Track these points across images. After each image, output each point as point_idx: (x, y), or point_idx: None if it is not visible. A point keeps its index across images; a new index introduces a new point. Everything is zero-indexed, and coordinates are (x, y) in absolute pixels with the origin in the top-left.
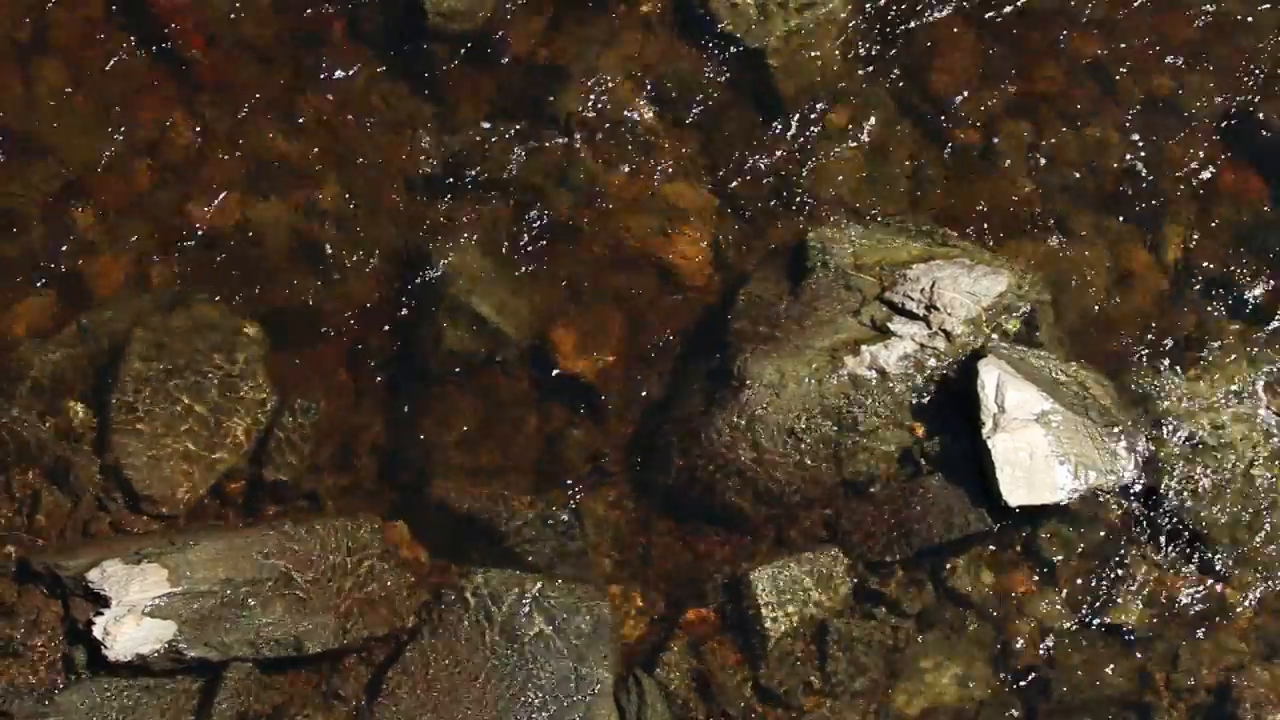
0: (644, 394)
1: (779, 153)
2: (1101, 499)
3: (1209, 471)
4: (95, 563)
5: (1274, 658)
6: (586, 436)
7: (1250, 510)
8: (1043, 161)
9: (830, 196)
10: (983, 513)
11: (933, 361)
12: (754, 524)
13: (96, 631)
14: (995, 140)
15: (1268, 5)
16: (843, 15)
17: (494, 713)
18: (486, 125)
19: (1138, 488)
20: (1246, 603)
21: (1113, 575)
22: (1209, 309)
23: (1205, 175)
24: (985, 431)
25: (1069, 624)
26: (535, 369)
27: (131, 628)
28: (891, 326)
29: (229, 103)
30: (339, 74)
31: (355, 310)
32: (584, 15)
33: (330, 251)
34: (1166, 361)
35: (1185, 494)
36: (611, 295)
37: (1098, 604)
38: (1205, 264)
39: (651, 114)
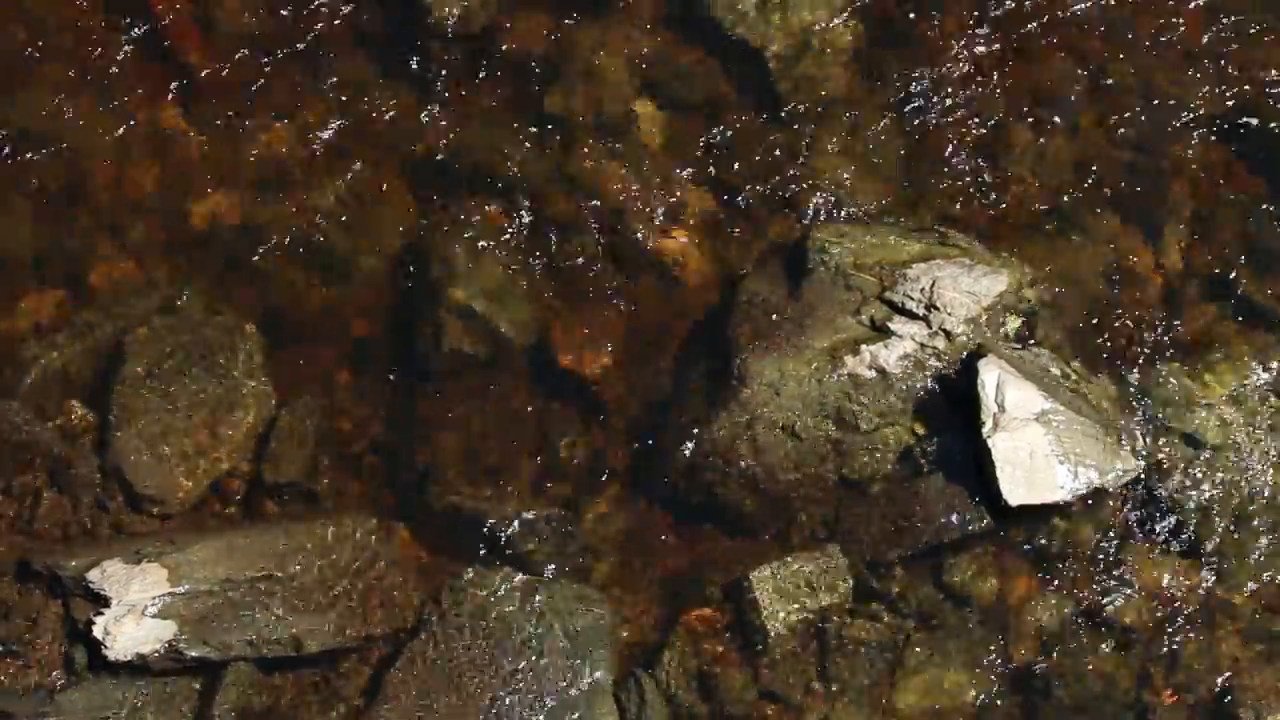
0: (644, 394)
1: (779, 152)
2: (1101, 499)
3: (1209, 471)
4: (95, 563)
5: (1274, 658)
6: (586, 436)
7: (1250, 510)
8: (1043, 161)
9: (830, 196)
10: (983, 512)
11: (933, 361)
12: (754, 524)
13: (96, 631)
14: (995, 140)
15: (1268, 5)
16: (843, 15)
17: (494, 712)
18: (486, 125)
19: (1137, 487)
20: (1246, 603)
21: (1113, 575)
22: (1209, 309)
23: (1205, 175)
24: (985, 431)
25: (1069, 624)
26: (535, 369)
27: (131, 627)
28: (891, 326)
29: (229, 103)
30: (339, 73)
31: (355, 310)
32: (584, 15)
33: (330, 251)
34: (1166, 361)
35: (1185, 494)
36: (611, 295)
37: (1098, 604)
38: (1205, 264)
39: (651, 113)
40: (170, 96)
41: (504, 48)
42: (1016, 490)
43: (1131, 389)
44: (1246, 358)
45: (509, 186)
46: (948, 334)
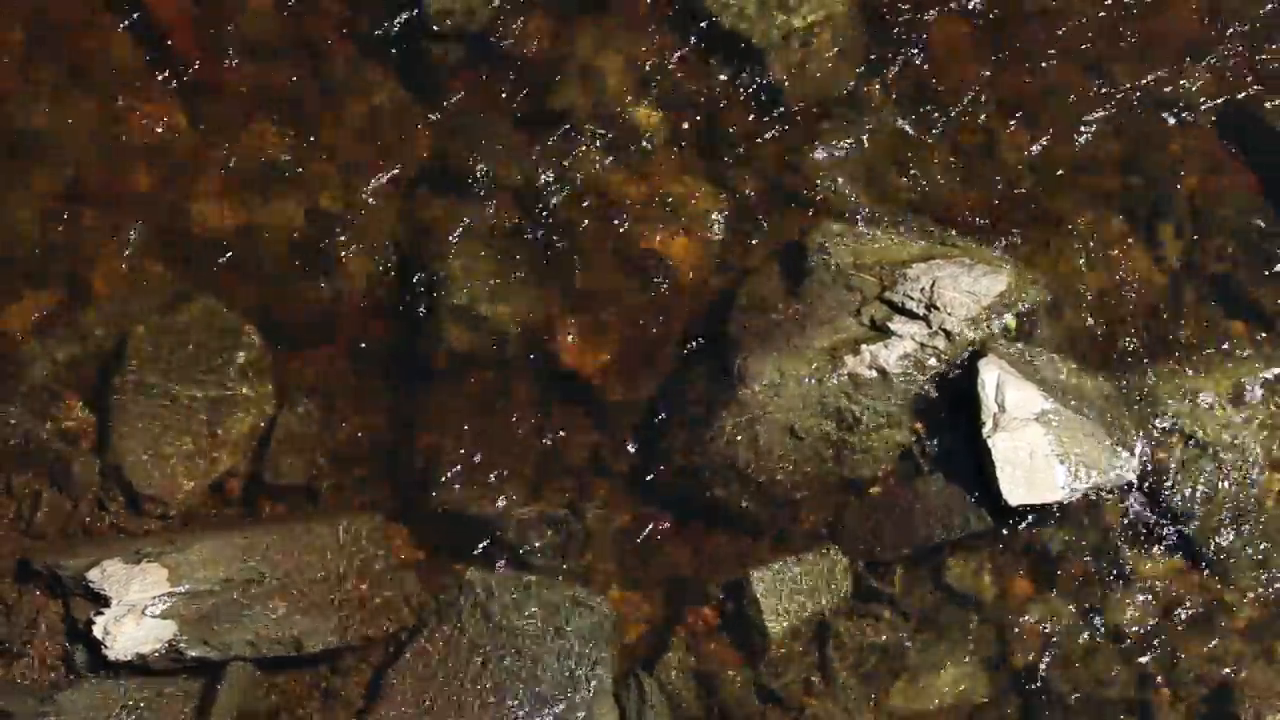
0: (644, 394)
1: (779, 152)
2: (1101, 498)
3: (1208, 471)
4: (95, 562)
5: (1274, 658)
6: (586, 436)
7: (1250, 510)
8: (1042, 161)
9: (830, 196)
10: (983, 512)
11: (933, 361)
12: (754, 524)
13: (96, 631)
14: (995, 139)
15: (1268, 3)
16: (843, 14)
17: (494, 712)
18: (486, 125)
19: (1137, 487)
20: (1246, 603)
21: (1113, 575)
22: (1209, 309)
23: (1205, 175)
24: (985, 431)
25: (1069, 624)
26: (535, 368)
27: (131, 627)
28: (892, 326)
29: (229, 103)
30: (339, 73)
31: (355, 310)
32: (584, 14)
33: (330, 251)
34: (1166, 361)
35: (1185, 493)
36: (611, 295)
37: (1098, 604)
38: (1205, 264)
39: (651, 113)
40: (170, 96)
41: (503, 47)
42: (1016, 490)
43: (1131, 389)
44: (1246, 358)
45: (509, 186)
46: (948, 334)
